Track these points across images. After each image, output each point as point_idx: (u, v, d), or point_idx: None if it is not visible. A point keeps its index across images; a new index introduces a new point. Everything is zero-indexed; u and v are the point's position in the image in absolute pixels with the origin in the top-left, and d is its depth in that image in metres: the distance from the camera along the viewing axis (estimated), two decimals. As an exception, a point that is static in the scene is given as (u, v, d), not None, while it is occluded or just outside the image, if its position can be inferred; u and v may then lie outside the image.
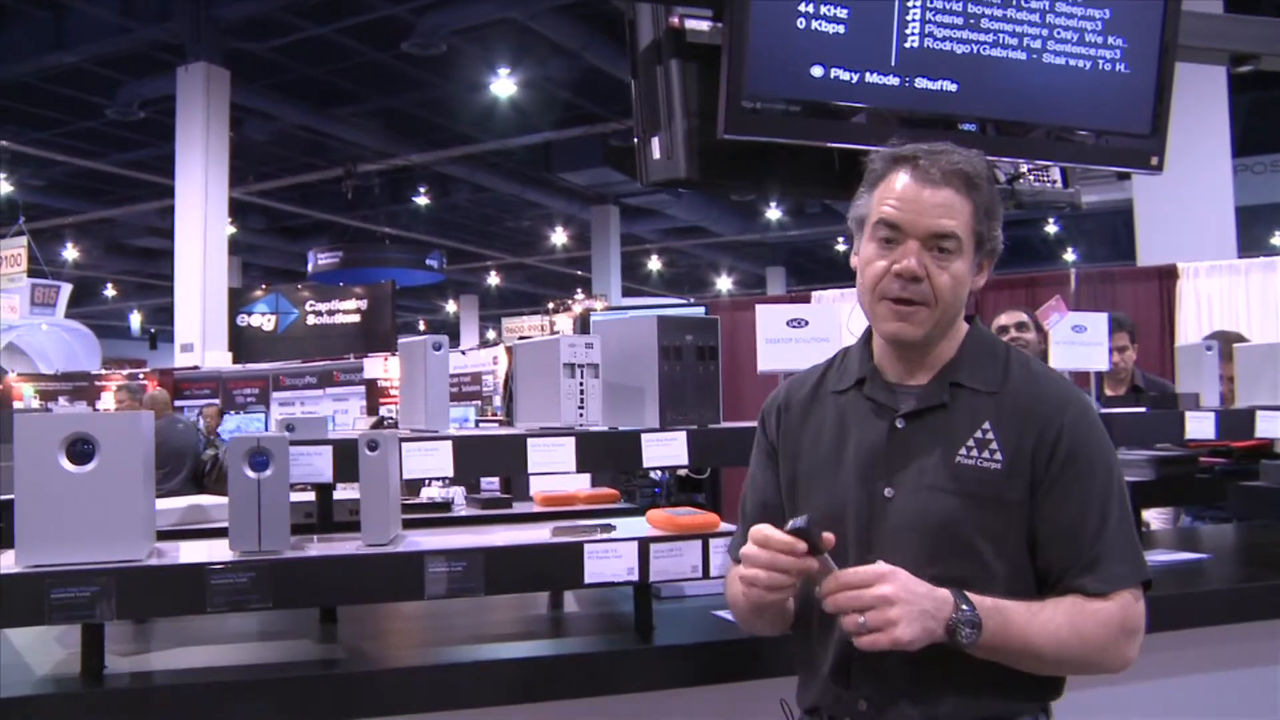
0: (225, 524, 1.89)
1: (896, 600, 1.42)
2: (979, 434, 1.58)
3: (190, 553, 1.94)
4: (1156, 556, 2.90)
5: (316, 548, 1.96)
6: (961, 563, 1.54)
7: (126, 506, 1.81)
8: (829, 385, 1.74)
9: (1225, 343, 3.87)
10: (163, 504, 2.45)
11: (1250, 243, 11.76)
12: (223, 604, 1.82)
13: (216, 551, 1.90)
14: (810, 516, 1.46)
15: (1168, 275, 7.29)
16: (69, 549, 1.77)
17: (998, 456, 1.56)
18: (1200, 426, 2.85)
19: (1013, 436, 1.56)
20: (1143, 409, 3.00)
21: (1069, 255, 23.44)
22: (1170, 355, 3.64)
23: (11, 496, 1.78)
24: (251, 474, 1.87)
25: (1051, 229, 21.61)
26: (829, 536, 1.47)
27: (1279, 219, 17.44)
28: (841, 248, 21.42)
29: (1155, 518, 4.18)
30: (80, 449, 1.79)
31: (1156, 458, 3.30)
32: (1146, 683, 2.53)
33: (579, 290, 22.69)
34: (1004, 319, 4.37)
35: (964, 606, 1.46)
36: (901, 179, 1.60)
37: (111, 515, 1.79)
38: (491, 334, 26.47)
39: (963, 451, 1.58)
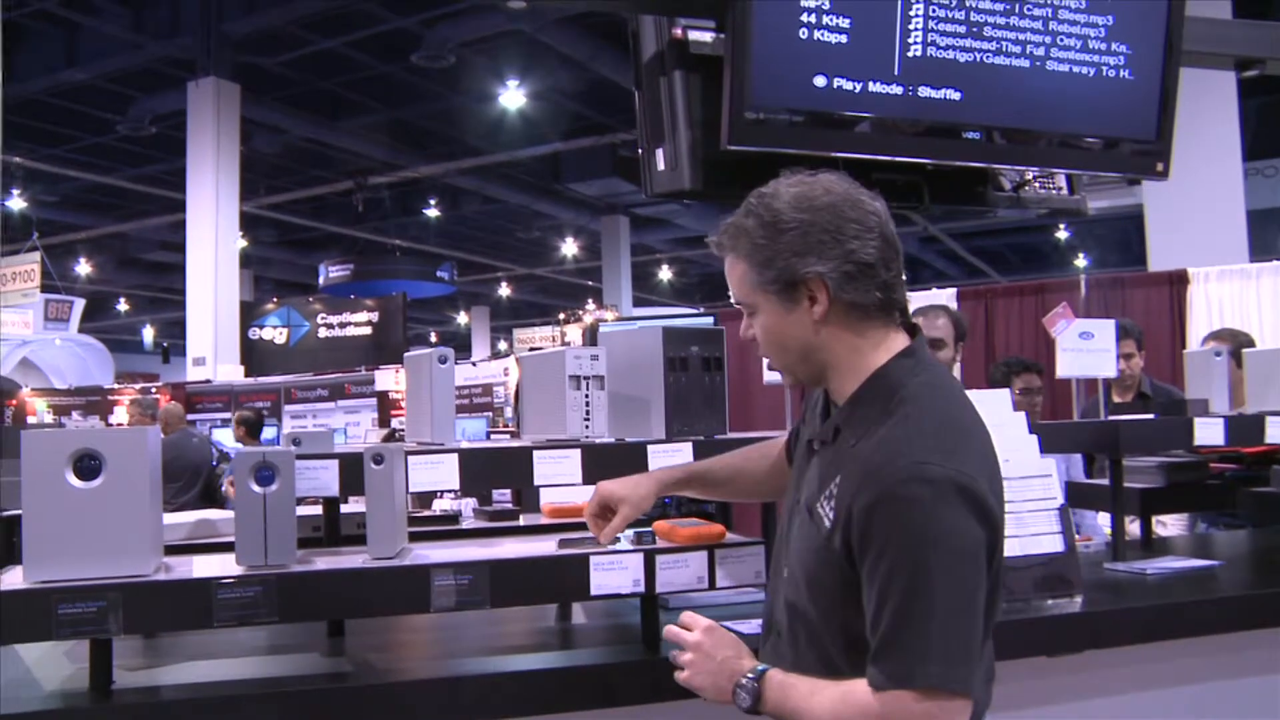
0: (233, 538, 1.90)
1: (697, 651, 1.66)
2: (832, 486, 1.54)
3: (197, 567, 1.95)
4: (1168, 563, 2.88)
5: (322, 561, 1.97)
6: (803, 605, 1.59)
7: (133, 521, 1.81)
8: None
9: (1234, 340, 3.86)
10: (171, 518, 2.46)
11: (1261, 247, 11.67)
12: (229, 618, 1.83)
13: (223, 566, 1.91)
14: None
15: (1178, 280, 7.26)
16: (76, 564, 1.78)
17: (830, 515, 1.52)
18: (1209, 433, 2.84)
19: (846, 498, 1.49)
20: (1151, 415, 2.99)
21: (1080, 261, 23.37)
22: (1181, 361, 3.66)
23: (20, 512, 1.79)
24: (257, 488, 1.87)
25: (1062, 235, 21.57)
26: None
27: (1290, 222, 17.35)
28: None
29: (1172, 525, 4.17)
30: (87, 465, 1.79)
31: (1166, 464, 3.28)
32: (1157, 690, 2.52)
33: (590, 301, 22.70)
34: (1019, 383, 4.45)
35: (747, 678, 1.59)
36: None
37: (118, 530, 1.80)
38: (503, 345, 26.50)
39: (820, 501, 1.56)
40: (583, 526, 2.71)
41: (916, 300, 5.64)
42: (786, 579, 1.65)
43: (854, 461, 1.50)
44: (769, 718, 1.58)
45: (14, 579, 1.80)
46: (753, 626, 2.18)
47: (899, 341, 1.61)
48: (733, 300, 1.68)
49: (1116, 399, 4.50)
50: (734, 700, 1.59)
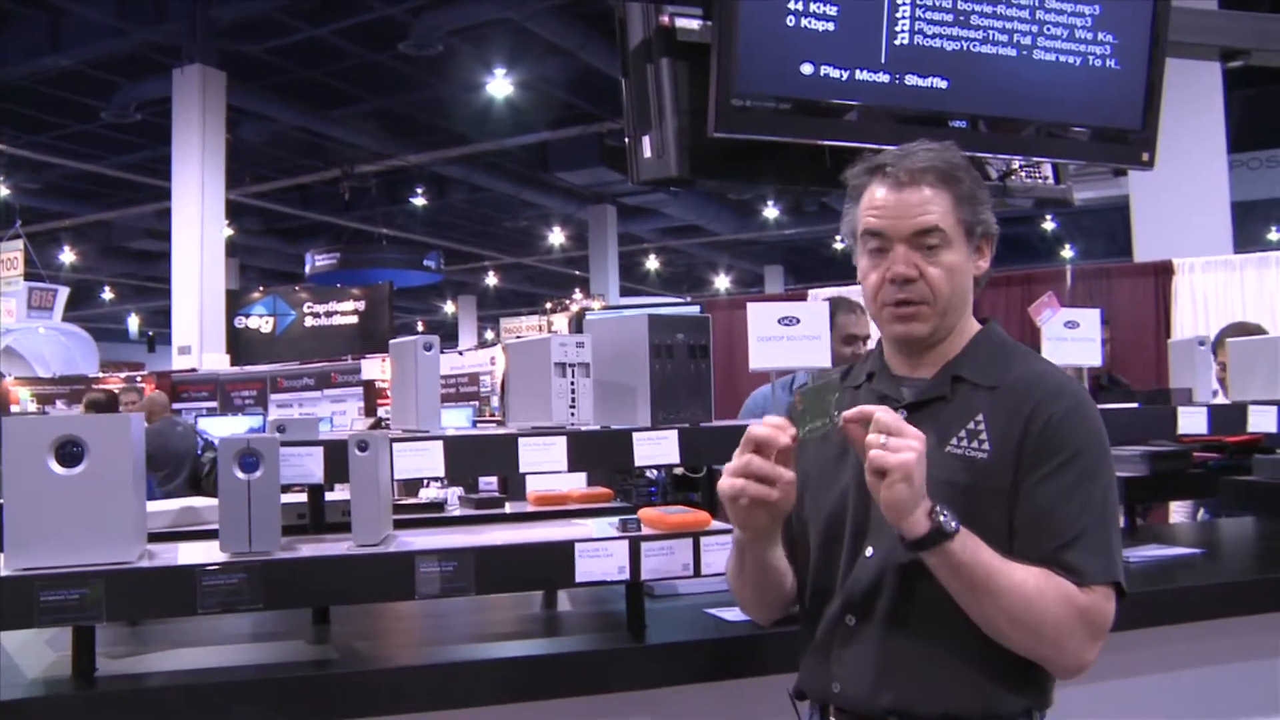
0: (217, 526, 1.89)
1: (921, 447, 1.44)
2: (971, 425, 1.60)
3: (181, 554, 1.94)
4: (1150, 551, 2.90)
5: (307, 548, 1.96)
6: None
7: (116, 508, 1.81)
8: (848, 382, 1.80)
9: (1243, 333, 3.85)
10: (154, 506, 2.45)
11: (1246, 238, 11.75)
12: (214, 605, 1.82)
13: (208, 553, 1.90)
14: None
15: (1163, 271, 7.30)
16: (59, 551, 1.77)
17: (985, 446, 1.57)
18: (1192, 421, 2.85)
19: (1003, 426, 1.57)
20: (1135, 404, 3.00)
21: (1066, 252, 23.43)
22: (1165, 351, 3.67)
23: (0, 500, 1.78)
24: (242, 475, 1.87)
25: (1049, 226, 21.59)
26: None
27: (1275, 214, 17.46)
28: (839, 246, 21.44)
29: (1176, 513, 4.18)
30: (69, 451, 1.79)
31: (1149, 453, 3.30)
32: (1139, 677, 2.54)
33: (576, 290, 22.66)
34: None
35: (946, 511, 1.46)
36: (878, 188, 1.66)
37: (101, 517, 1.79)
38: (489, 334, 26.45)
39: (954, 442, 1.60)
40: (567, 514, 2.72)
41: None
42: (872, 556, 1.61)
43: (1005, 393, 1.60)
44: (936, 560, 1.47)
45: (-4, 566, 1.79)
46: (736, 614, 2.19)
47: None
48: (919, 226, 1.61)
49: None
50: (928, 517, 1.44)
